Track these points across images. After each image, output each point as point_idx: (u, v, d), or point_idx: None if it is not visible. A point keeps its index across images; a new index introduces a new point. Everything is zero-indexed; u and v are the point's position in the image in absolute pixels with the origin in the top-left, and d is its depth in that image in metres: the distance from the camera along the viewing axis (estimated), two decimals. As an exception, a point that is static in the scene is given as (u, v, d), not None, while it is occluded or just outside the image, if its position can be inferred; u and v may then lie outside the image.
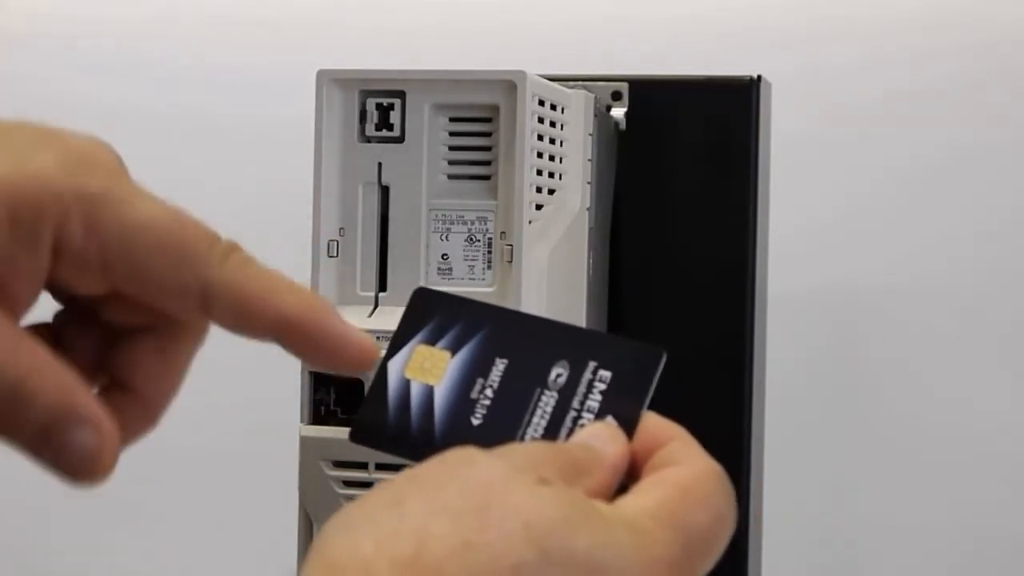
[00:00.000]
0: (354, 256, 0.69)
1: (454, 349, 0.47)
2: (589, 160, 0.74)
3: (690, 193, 0.80)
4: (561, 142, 0.71)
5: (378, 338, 0.70)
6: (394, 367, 0.47)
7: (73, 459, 0.45)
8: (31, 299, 0.46)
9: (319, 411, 0.69)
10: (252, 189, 1.16)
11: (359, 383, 0.69)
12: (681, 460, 0.44)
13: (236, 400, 1.14)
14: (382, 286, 0.69)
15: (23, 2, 1.23)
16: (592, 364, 0.46)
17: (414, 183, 0.67)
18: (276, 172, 1.12)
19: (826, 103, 1.11)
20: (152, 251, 0.45)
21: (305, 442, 0.70)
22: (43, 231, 0.45)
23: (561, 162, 0.71)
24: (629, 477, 0.44)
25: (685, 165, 0.80)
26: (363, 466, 0.68)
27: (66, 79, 1.20)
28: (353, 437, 0.47)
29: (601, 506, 0.42)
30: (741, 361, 0.80)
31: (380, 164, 0.67)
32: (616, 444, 0.44)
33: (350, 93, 0.67)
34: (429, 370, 0.46)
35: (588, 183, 0.74)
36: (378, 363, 0.49)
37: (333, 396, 0.69)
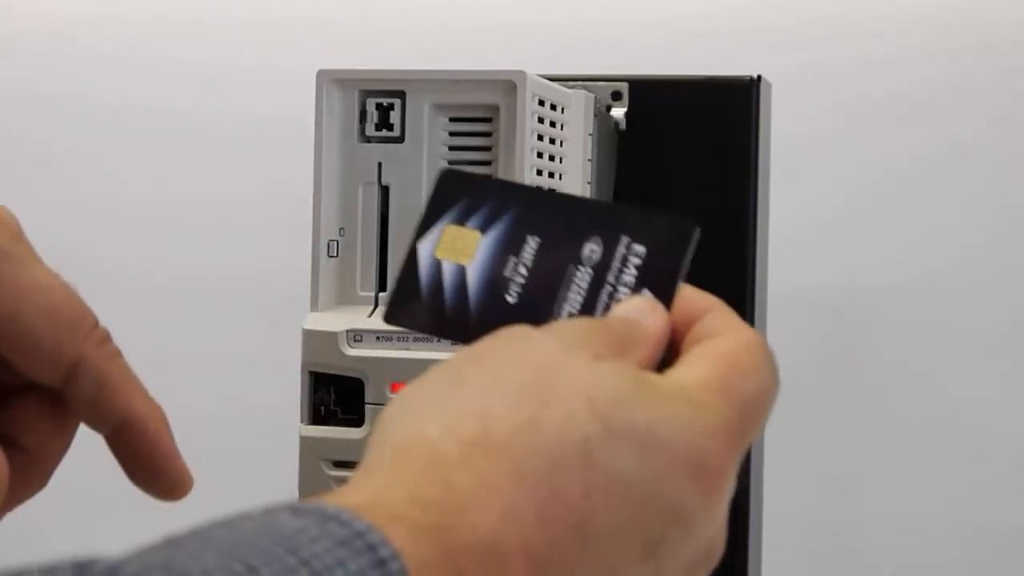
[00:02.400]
0: (354, 256, 0.69)
1: (484, 228, 0.46)
2: (589, 160, 0.74)
3: (690, 193, 0.80)
4: (561, 142, 0.71)
5: (378, 338, 0.70)
6: (424, 249, 0.47)
7: None
8: None
9: (319, 411, 0.69)
10: (252, 189, 1.16)
11: (359, 383, 0.68)
12: (723, 330, 0.44)
13: (236, 400, 1.14)
14: (382, 286, 0.69)
15: (27, 3, 1.23)
16: (625, 239, 0.46)
17: (414, 183, 0.67)
18: (276, 172, 1.12)
19: (826, 103, 1.11)
20: (41, 314, 0.47)
21: (305, 442, 0.70)
22: None
23: (561, 162, 0.71)
24: (669, 350, 0.44)
25: (685, 165, 0.80)
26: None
27: (67, 79, 1.20)
28: (388, 318, 0.46)
29: (656, 379, 0.42)
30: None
31: (380, 164, 0.67)
32: (656, 316, 0.44)
33: (350, 93, 0.67)
34: (460, 250, 0.46)
35: (588, 183, 0.74)
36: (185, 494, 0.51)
37: (333, 396, 0.69)
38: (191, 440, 0.56)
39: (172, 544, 0.34)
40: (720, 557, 0.43)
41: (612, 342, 0.43)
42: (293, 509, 0.36)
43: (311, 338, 0.69)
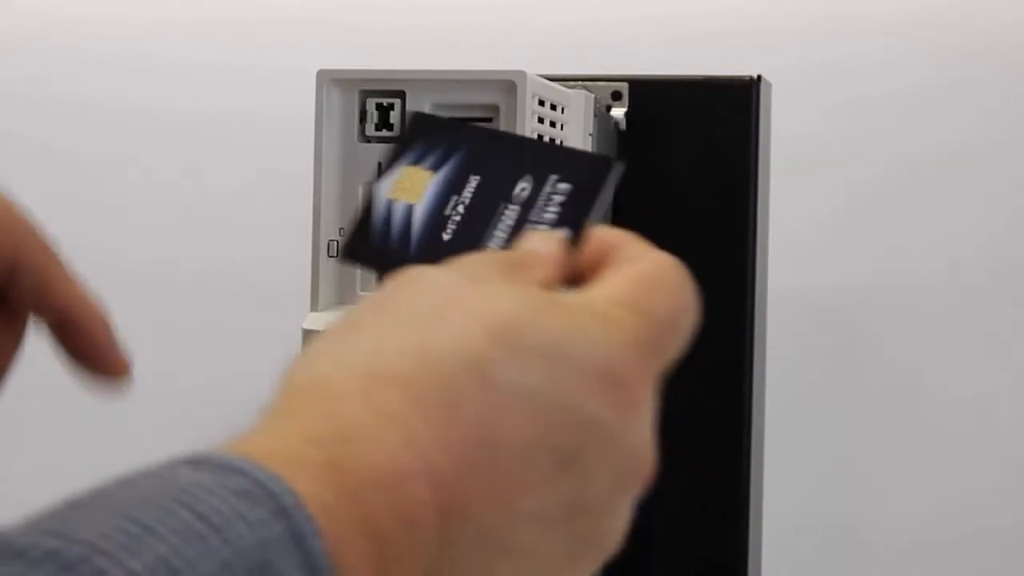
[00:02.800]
0: (354, 256, 0.69)
1: (436, 168, 0.47)
2: (589, 160, 0.74)
3: (690, 193, 0.80)
4: (561, 142, 0.71)
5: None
6: (381, 188, 0.48)
7: None
8: None
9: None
10: (252, 189, 1.16)
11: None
12: (637, 256, 0.44)
13: (237, 400, 1.14)
14: (382, 286, 0.69)
15: (27, 3, 1.23)
16: (553, 177, 0.46)
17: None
18: (276, 172, 1.12)
19: (824, 102, 1.11)
20: None
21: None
22: None
23: (561, 162, 0.71)
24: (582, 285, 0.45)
25: (685, 165, 0.80)
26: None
27: (68, 79, 1.20)
28: (341, 257, 0.48)
29: (562, 296, 0.42)
30: (741, 360, 0.80)
31: (380, 164, 0.67)
32: (551, 241, 0.45)
33: (350, 93, 0.67)
34: (411, 189, 0.47)
35: (588, 183, 0.74)
36: (130, 380, 0.53)
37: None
38: (191, 441, 0.56)
39: (71, 507, 0.34)
40: (650, 475, 0.43)
41: (509, 268, 0.43)
42: (191, 462, 0.35)
43: (311, 338, 0.69)
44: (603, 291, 0.43)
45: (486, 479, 0.39)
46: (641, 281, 0.43)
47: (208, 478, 0.35)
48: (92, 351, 0.53)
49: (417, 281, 0.42)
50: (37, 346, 0.53)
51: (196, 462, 0.35)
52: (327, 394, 0.38)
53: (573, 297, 0.42)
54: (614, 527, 0.43)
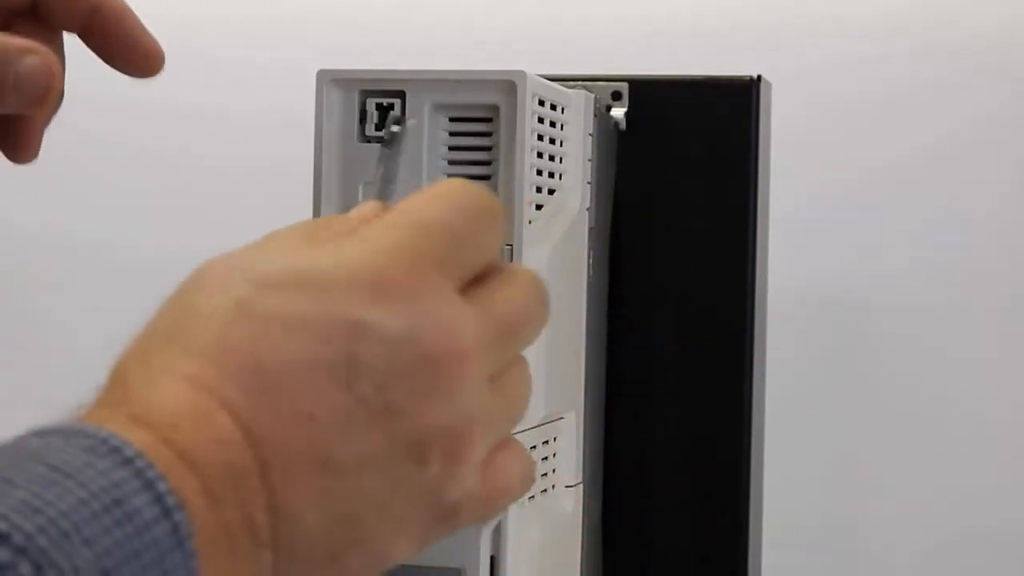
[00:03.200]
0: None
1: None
2: (589, 160, 0.74)
3: (690, 193, 0.80)
4: (561, 142, 0.71)
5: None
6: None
7: (30, 83, 0.56)
8: None
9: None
10: (252, 189, 1.16)
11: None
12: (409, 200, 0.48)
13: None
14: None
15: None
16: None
17: (414, 183, 0.67)
18: (276, 172, 1.12)
19: (823, 100, 1.11)
20: None
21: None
22: None
23: (561, 162, 0.71)
24: None
25: (685, 165, 0.80)
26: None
27: (69, 80, 1.20)
28: None
29: (329, 236, 0.46)
30: (741, 360, 0.80)
31: (381, 166, 0.67)
32: (365, 206, 0.50)
33: (350, 93, 0.67)
34: None
35: (588, 183, 0.74)
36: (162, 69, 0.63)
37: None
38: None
39: None
40: (455, 356, 0.44)
41: (309, 231, 0.47)
42: (38, 433, 0.40)
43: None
44: (371, 226, 0.46)
45: (275, 398, 0.42)
46: (403, 205, 0.47)
47: (57, 441, 0.40)
48: (127, 38, 0.61)
49: (209, 263, 0.46)
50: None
51: (43, 432, 0.40)
52: (136, 377, 0.43)
53: (343, 236, 0.46)
54: (449, 433, 0.45)
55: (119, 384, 0.43)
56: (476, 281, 0.47)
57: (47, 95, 0.57)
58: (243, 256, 0.46)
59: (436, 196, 0.47)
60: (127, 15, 0.62)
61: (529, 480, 0.50)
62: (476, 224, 0.47)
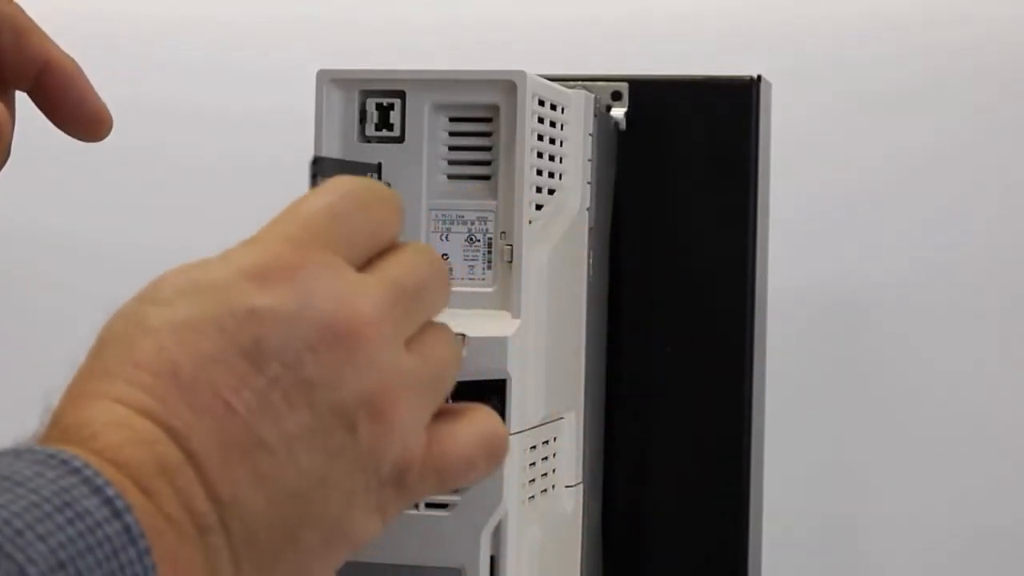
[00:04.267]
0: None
1: None
2: (589, 160, 0.74)
3: (690, 193, 0.80)
4: (561, 142, 0.71)
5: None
6: None
7: None
8: None
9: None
10: (252, 189, 1.16)
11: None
12: None
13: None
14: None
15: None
16: None
17: (414, 183, 0.67)
18: (276, 172, 1.12)
19: (823, 100, 1.11)
20: None
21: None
22: None
23: (561, 162, 0.71)
24: None
25: (685, 165, 0.80)
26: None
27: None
28: None
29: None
30: (741, 360, 0.80)
31: (380, 164, 0.67)
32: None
33: (350, 93, 0.67)
34: None
35: (588, 183, 0.74)
36: (108, 133, 0.62)
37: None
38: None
39: None
40: (359, 325, 0.46)
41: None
42: None
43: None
44: (262, 228, 0.49)
45: (190, 395, 0.45)
46: (290, 205, 0.50)
47: (8, 457, 0.42)
48: (74, 99, 0.61)
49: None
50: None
51: (16, 452, 0.43)
52: (65, 411, 0.46)
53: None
54: (370, 396, 0.46)
55: (52, 422, 0.46)
56: (372, 259, 0.49)
57: None
58: (148, 284, 0.48)
59: (320, 189, 0.50)
60: (76, 76, 0.62)
61: (494, 447, 0.51)
62: (360, 205, 0.50)
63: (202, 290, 0.47)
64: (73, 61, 0.62)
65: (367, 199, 0.50)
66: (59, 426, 0.45)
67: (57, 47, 0.61)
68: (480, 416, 0.52)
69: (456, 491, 0.63)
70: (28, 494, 0.41)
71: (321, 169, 0.56)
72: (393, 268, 0.50)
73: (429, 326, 0.50)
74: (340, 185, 0.50)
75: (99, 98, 0.62)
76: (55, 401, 0.46)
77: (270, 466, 0.45)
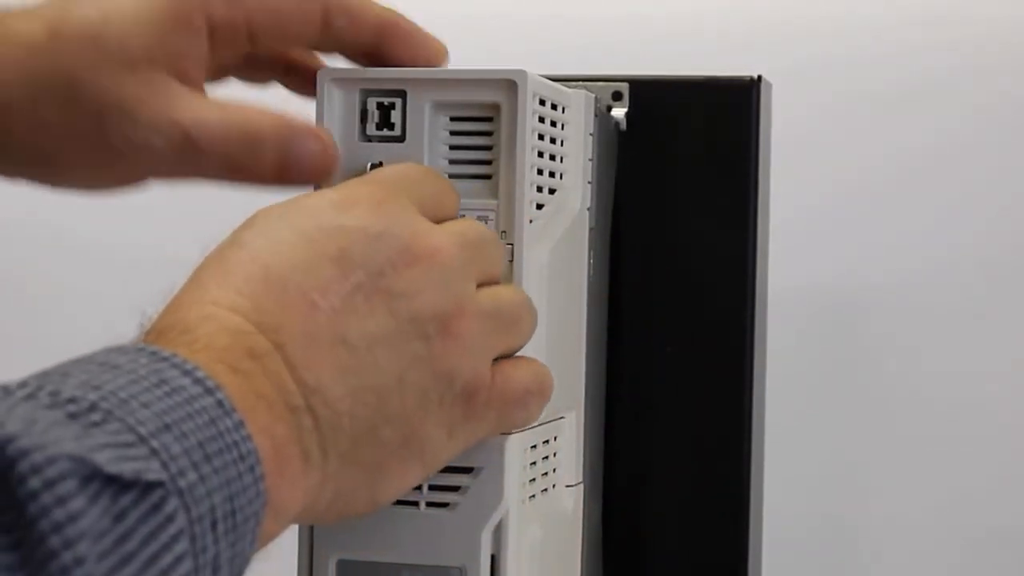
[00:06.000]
0: (355, 255, 0.69)
1: None
2: (590, 160, 0.74)
3: (690, 193, 0.80)
4: (562, 142, 0.71)
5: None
6: None
7: (308, 164, 0.61)
8: (204, 79, 0.62)
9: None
10: (254, 189, 1.16)
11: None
12: None
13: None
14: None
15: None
16: None
17: (415, 182, 0.67)
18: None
19: (825, 99, 1.11)
20: None
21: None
22: (199, 24, 0.61)
23: (562, 162, 0.71)
24: None
25: (685, 165, 0.80)
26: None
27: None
28: None
29: None
30: (741, 360, 0.80)
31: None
32: None
33: (351, 92, 0.67)
34: None
35: (588, 183, 0.74)
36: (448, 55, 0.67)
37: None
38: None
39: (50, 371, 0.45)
40: (426, 246, 0.54)
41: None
42: (110, 349, 0.47)
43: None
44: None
45: (279, 294, 0.50)
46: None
47: (104, 352, 0.46)
48: (413, 50, 0.66)
49: None
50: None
51: (110, 349, 0.47)
52: (161, 318, 0.51)
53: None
54: (443, 310, 0.53)
55: (149, 328, 0.50)
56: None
57: (324, 174, 0.62)
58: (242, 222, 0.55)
59: (400, 164, 0.60)
60: (404, 28, 0.66)
61: (544, 387, 0.60)
62: (429, 176, 0.59)
63: (293, 213, 0.53)
64: (394, 12, 0.66)
65: (433, 174, 0.60)
66: (155, 330, 0.49)
67: (378, 6, 0.65)
68: (532, 360, 0.60)
69: (458, 488, 0.63)
70: (126, 374, 0.44)
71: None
72: (455, 225, 0.57)
73: (498, 280, 0.59)
74: (409, 163, 0.59)
75: (430, 35, 0.67)
76: (151, 316, 0.51)
77: (351, 361, 0.50)
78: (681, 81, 0.81)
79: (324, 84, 0.67)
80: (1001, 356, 1.10)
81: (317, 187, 0.62)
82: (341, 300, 0.50)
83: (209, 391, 0.45)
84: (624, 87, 0.79)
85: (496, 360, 0.58)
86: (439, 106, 0.66)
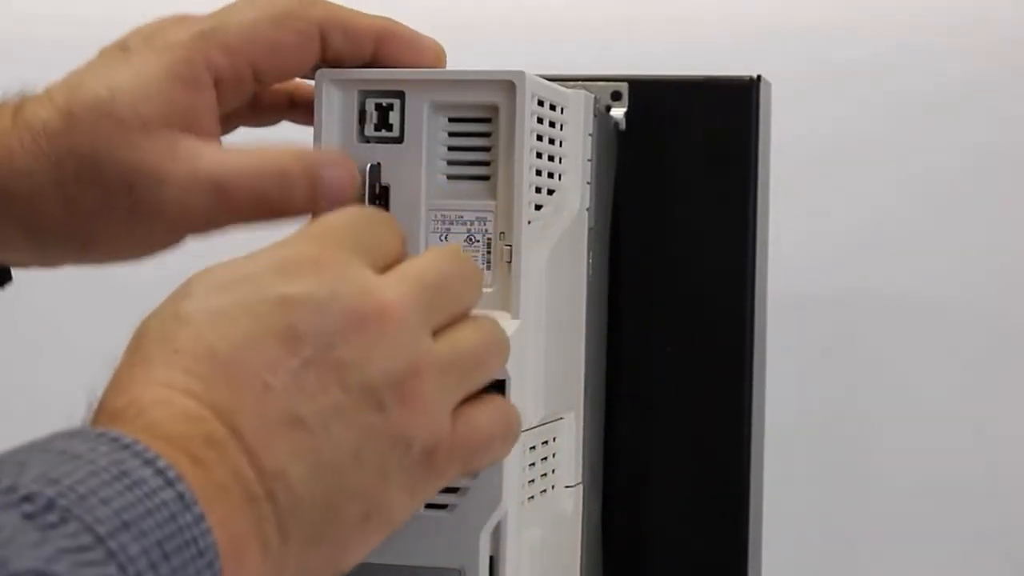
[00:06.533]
0: (353, 256, 0.69)
1: None
2: (589, 160, 0.74)
3: (689, 193, 0.80)
4: (561, 142, 0.70)
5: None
6: None
7: (337, 189, 0.62)
8: (219, 131, 0.64)
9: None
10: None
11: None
12: None
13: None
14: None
15: (23, 5, 1.23)
16: None
17: (413, 183, 0.67)
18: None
19: (823, 100, 1.11)
20: (272, 30, 0.64)
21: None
22: (205, 79, 0.63)
23: (561, 162, 0.71)
24: None
25: (684, 165, 0.80)
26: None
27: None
28: None
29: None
30: (741, 360, 0.80)
31: (379, 164, 0.67)
32: None
33: (349, 93, 0.67)
34: None
35: (588, 183, 0.74)
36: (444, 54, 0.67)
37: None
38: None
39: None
40: (377, 308, 0.51)
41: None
42: (40, 440, 0.46)
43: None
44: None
45: (230, 376, 0.48)
46: (311, 221, 0.57)
47: (62, 437, 0.45)
48: (412, 55, 0.67)
49: None
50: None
51: (46, 438, 0.46)
52: (108, 399, 0.49)
53: None
54: (397, 377, 0.51)
55: (99, 409, 0.49)
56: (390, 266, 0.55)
57: (350, 200, 0.62)
58: (180, 286, 0.52)
59: (336, 212, 0.56)
60: (402, 37, 0.67)
61: (510, 429, 0.58)
62: (372, 220, 0.56)
63: (233, 283, 0.50)
64: (391, 21, 0.66)
65: (376, 216, 0.57)
66: (106, 412, 0.48)
67: (371, 17, 0.66)
68: (496, 399, 0.58)
69: (457, 489, 0.63)
70: (86, 464, 0.44)
71: None
72: (411, 268, 0.54)
73: (463, 318, 0.56)
74: (349, 209, 0.56)
75: (428, 37, 0.68)
76: (98, 394, 0.49)
77: (308, 440, 0.49)
78: (681, 81, 0.81)
79: (322, 85, 0.66)
80: (1003, 359, 1.10)
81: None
82: (292, 378, 0.49)
83: (170, 483, 0.45)
84: (623, 87, 0.79)
85: (460, 404, 0.56)
86: (437, 107, 0.66)
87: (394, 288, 0.52)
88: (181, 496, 0.44)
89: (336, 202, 0.61)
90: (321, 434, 0.49)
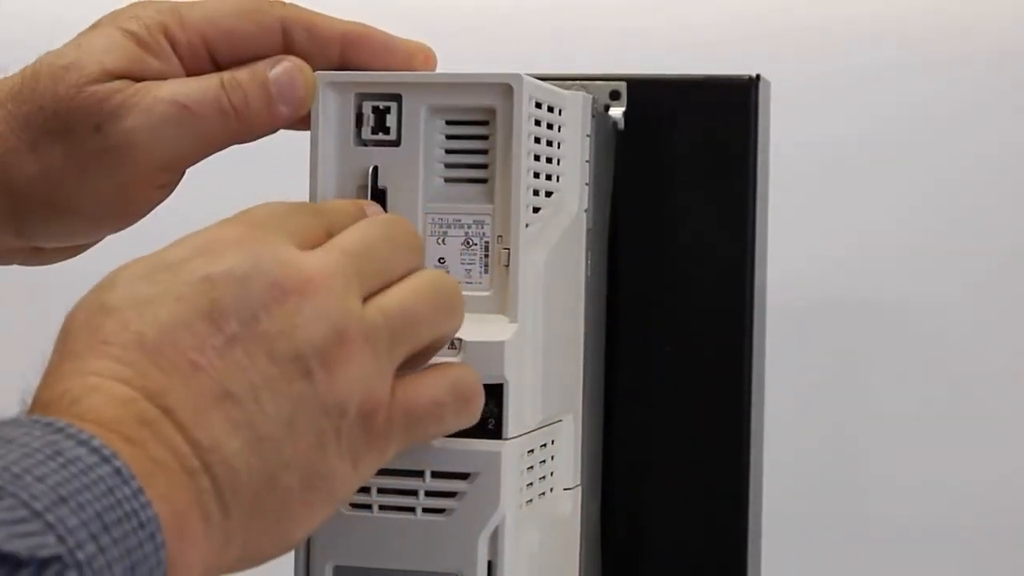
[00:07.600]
0: (351, 259, 0.69)
1: None
2: (587, 161, 0.74)
3: (689, 193, 0.80)
4: (558, 144, 0.70)
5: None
6: None
7: (289, 81, 0.65)
8: None
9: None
10: (250, 192, 1.16)
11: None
12: None
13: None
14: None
15: (18, 5, 1.22)
16: None
17: (411, 186, 0.66)
18: (273, 175, 1.12)
19: (824, 100, 1.11)
20: (233, 18, 0.66)
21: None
22: (162, 43, 0.66)
23: (558, 164, 0.70)
24: None
25: (683, 165, 0.80)
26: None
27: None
28: None
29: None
30: (740, 360, 0.80)
31: (376, 168, 0.66)
32: None
33: (346, 96, 0.67)
34: None
35: (586, 184, 0.74)
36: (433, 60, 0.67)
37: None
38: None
39: None
40: (300, 279, 0.52)
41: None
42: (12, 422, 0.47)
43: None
44: None
45: (159, 359, 0.49)
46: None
47: (3, 425, 0.46)
48: (382, 57, 0.67)
49: None
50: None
51: (1, 422, 0.47)
52: (40, 393, 0.50)
53: None
54: (322, 343, 0.51)
55: (32, 402, 0.50)
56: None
57: (307, 93, 0.65)
58: (103, 278, 0.53)
59: (259, 204, 0.57)
60: (371, 37, 0.68)
61: (461, 396, 0.57)
62: (300, 208, 0.57)
63: (156, 271, 0.51)
64: (361, 25, 0.67)
65: (305, 206, 0.58)
66: (39, 403, 0.49)
67: (339, 21, 0.67)
68: (450, 366, 0.58)
69: (455, 494, 0.63)
70: (19, 448, 0.44)
71: None
72: (337, 239, 0.55)
73: (398, 282, 0.56)
74: (277, 201, 0.58)
75: (403, 40, 0.68)
76: (31, 389, 0.50)
77: (240, 414, 0.49)
78: (680, 81, 0.80)
79: (319, 87, 0.66)
80: (1004, 351, 1.09)
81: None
82: (219, 355, 0.50)
83: (106, 459, 0.45)
84: (622, 86, 0.79)
85: (406, 371, 0.56)
86: (435, 110, 0.66)
87: (317, 258, 0.53)
88: (118, 471, 0.45)
89: (292, 99, 0.65)
90: (252, 406, 0.50)
